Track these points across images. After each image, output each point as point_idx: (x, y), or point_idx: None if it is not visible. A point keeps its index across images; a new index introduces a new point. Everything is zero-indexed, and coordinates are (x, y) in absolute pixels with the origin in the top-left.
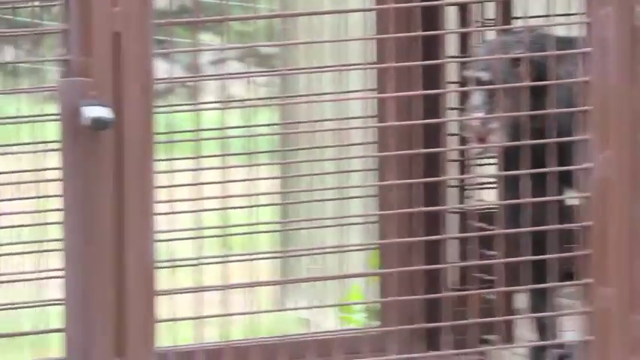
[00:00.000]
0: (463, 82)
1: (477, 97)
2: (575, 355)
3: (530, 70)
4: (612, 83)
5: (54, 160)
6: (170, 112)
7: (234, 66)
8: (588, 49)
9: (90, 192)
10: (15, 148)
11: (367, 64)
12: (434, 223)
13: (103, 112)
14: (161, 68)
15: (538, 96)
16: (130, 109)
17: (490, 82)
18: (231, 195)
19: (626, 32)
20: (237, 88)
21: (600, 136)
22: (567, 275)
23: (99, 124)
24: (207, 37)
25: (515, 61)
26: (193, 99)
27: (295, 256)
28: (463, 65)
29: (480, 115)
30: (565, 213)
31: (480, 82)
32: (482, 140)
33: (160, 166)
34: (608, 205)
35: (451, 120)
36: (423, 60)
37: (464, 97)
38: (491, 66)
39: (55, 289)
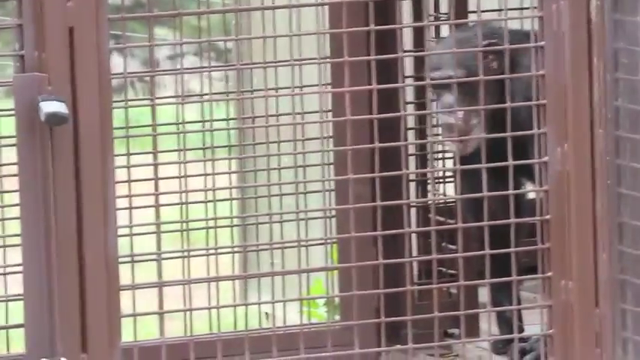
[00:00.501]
0: (419, 76)
1: (451, 97)
2: (539, 349)
3: (499, 60)
4: (568, 77)
5: (11, 155)
6: (127, 107)
7: (192, 60)
8: (542, 43)
9: (47, 187)
10: None
11: (322, 58)
12: (393, 217)
13: (58, 108)
14: (119, 63)
15: (503, 89)
16: (87, 104)
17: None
18: (190, 190)
19: (581, 25)
20: (195, 83)
21: (557, 129)
22: (529, 269)
23: (55, 119)
24: (163, 32)
25: (485, 55)
26: (151, 94)
27: (255, 250)
28: (419, 60)
29: (459, 112)
30: (526, 206)
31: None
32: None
33: (119, 161)
34: (567, 199)
35: (407, 114)
36: (378, 54)
37: (420, 91)
38: (460, 63)
39: (17, 285)
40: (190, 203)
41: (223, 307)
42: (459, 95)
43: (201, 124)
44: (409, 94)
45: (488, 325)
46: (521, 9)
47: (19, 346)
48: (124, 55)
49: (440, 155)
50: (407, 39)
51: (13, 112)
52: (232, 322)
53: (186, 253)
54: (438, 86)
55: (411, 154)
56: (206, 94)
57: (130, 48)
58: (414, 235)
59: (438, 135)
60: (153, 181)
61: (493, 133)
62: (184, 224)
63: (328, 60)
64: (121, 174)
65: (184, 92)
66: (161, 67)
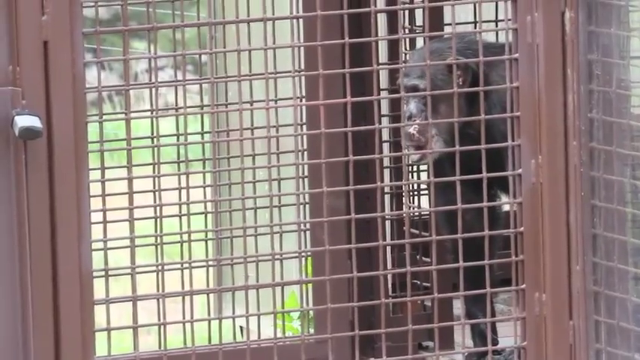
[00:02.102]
0: (393, 88)
1: (413, 106)
2: None
3: (464, 76)
4: (542, 89)
5: None
6: (102, 121)
7: (170, 74)
8: (516, 55)
9: (21, 202)
10: None
11: (296, 71)
12: (368, 229)
13: (32, 122)
14: (97, 77)
15: (473, 102)
16: (61, 118)
17: (425, 90)
18: (165, 203)
19: (555, 37)
20: (172, 96)
21: (531, 141)
22: (504, 281)
23: (29, 133)
24: (142, 46)
25: (450, 68)
26: (126, 107)
27: (230, 264)
28: (394, 72)
29: (416, 123)
30: (500, 218)
31: (416, 90)
32: (420, 148)
33: (94, 174)
34: (540, 211)
35: (381, 127)
36: (353, 67)
37: (394, 104)
38: (426, 74)
39: None
40: (165, 217)
41: (197, 320)
42: (422, 105)
43: (176, 137)
44: (384, 107)
45: (463, 337)
46: (496, 21)
47: None
48: (99, 68)
49: (415, 168)
50: (382, 51)
51: None
52: (206, 335)
53: (160, 267)
54: (406, 92)
55: (386, 167)
56: (181, 108)
57: (108, 62)
58: (388, 248)
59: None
60: (127, 195)
61: (464, 145)
62: (159, 238)
63: (303, 73)
64: (95, 188)
65: (162, 105)
66: (139, 80)
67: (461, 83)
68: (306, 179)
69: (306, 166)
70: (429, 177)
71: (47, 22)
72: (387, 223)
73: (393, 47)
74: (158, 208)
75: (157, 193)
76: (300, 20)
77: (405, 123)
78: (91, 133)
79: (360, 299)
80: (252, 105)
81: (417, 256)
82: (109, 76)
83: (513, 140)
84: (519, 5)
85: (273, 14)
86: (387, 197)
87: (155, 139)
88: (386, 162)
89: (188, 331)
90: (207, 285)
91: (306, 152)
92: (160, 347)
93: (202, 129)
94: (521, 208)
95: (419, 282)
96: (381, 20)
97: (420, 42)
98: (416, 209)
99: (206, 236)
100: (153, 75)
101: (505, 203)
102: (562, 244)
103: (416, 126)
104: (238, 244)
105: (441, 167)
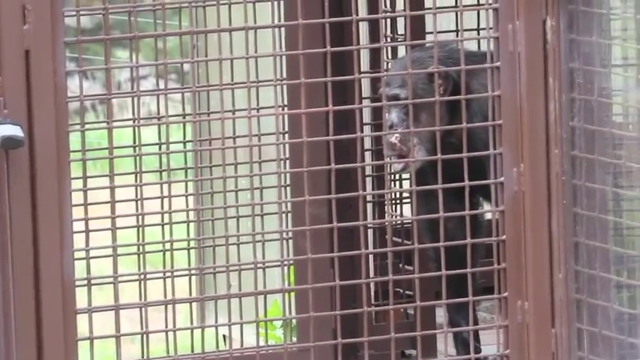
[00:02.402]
0: (376, 97)
1: (394, 115)
2: None
3: (445, 85)
4: (524, 97)
5: None
6: (84, 130)
7: (154, 82)
8: (497, 64)
9: (3, 211)
10: None
11: (278, 80)
12: (351, 238)
13: (14, 131)
14: (82, 85)
15: (456, 111)
16: (43, 128)
17: (407, 99)
18: (147, 212)
19: (537, 46)
20: (155, 105)
21: (513, 150)
22: (487, 289)
23: (10, 142)
24: (125, 55)
25: (431, 77)
26: (108, 116)
27: (212, 272)
28: (376, 81)
29: (398, 132)
30: (482, 227)
31: (397, 99)
32: (403, 157)
33: (76, 183)
34: (522, 219)
35: (363, 135)
36: (335, 75)
37: (376, 112)
38: (406, 83)
39: None
40: (147, 226)
41: (180, 329)
42: (403, 114)
43: (158, 146)
44: (366, 116)
45: (445, 345)
46: (478, 30)
47: None
48: (80, 77)
49: (397, 176)
50: (364, 59)
51: None
52: (189, 344)
53: (142, 276)
54: (388, 101)
55: (368, 175)
56: (163, 117)
57: (91, 70)
58: (371, 256)
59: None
60: (109, 204)
61: (446, 153)
62: (141, 247)
63: (285, 82)
64: (78, 197)
65: (145, 114)
66: (123, 89)
67: (442, 92)
68: (288, 188)
69: (288, 175)
70: (411, 185)
71: (29, 32)
72: (370, 232)
73: (375, 56)
74: (140, 216)
75: (139, 202)
76: (282, 29)
77: (386, 132)
78: (74, 142)
79: (342, 307)
80: (234, 114)
81: (400, 265)
82: (92, 85)
83: (495, 148)
84: (501, 14)
85: (255, 23)
86: (369, 206)
87: (137, 148)
88: (368, 170)
89: (171, 340)
90: (190, 294)
91: (288, 161)
92: (142, 356)
93: (184, 138)
94: (504, 217)
95: (401, 290)
96: (363, 29)
97: (402, 50)
98: (398, 218)
99: (188, 245)
100: (135, 84)
101: (487, 211)
102: (544, 252)
103: (397, 135)
104: (221, 253)
105: (423, 176)
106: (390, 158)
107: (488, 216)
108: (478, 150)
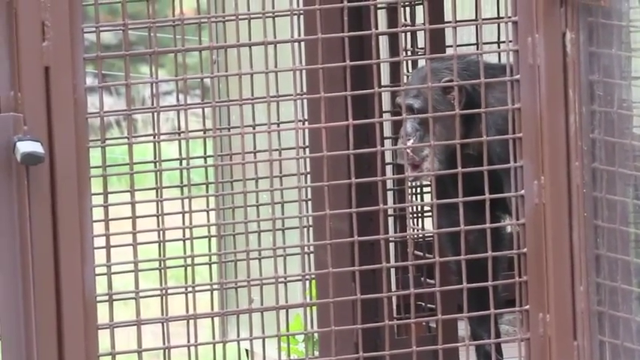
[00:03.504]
0: (395, 110)
1: (409, 125)
2: None
3: (459, 97)
4: (544, 110)
5: None
6: (104, 146)
7: (180, 98)
8: (517, 77)
9: (24, 227)
10: None
11: (298, 94)
12: (372, 251)
13: (34, 147)
14: (108, 102)
15: (470, 122)
16: (63, 144)
17: (421, 110)
18: (168, 227)
19: (556, 58)
20: (181, 121)
21: (533, 162)
22: (509, 302)
23: (31, 159)
24: (148, 70)
25: (447, 88)
26: (129, 132)
27: (234, 287)
28: (395, 94)
29: (412, 142)
30: (504, 239)
31: (411, 109)
32: (415, 167)
33: (97, 199)
34: (543, 232)
35: (384, 149)
36: (355, 89)
37: (396, 125)
38: (422, 93)
39: None
40: (168, 241)
41: (202, 344)
42: (417, 124)
43: (178, 161)
44: (387, 129)
45: (467, 358)
46: (498, 42)
47: None
48: (100, 93)
49: (418, 190)
50: (384, 73)
51: None
52: (211, 359)
53: (164, 291)
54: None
55: (389, 189)
56: (183, 132)
57: (115, 87)
58: (392, 270)
59: None
60: (131, 220)
61: (464, 165)
62: (162, 262)
63: (305, 96)
64: (100, 213)
65: (170, 130)
66: (147, 105)
67: (455, 103)
68: (309, 202)
69: (309, 189)
70: (432, 199)
71: (48, 48)
72: (391, 245)
73: (395, 69)
74: (162, 232)
75: (160, 217)
76: (302, 43)
77: (399, 141)
78: (96, 158)
79: (364, 321)
80: (254, 128)
81: (422, 278)
82: (117, 101)
83: (516, 161)
84: (520, 27)
85: (275, 37)
86: (390, 219)
87: (158, 164)
88: (389, 184)
89: (193, 355)
90: (212, 308)
91: (308, 175)
92: None
93: (205, 153)
94: (524, 229)
95: (423, 304)
96: (383, 42)
97: (421, 64)
98: (419, 231)
99: (210, 260)
100: (155, 99)
101: (508, 224)
102: (565, 265)
103: (409, 146)
104: (242, 268)
105: (443, 188)
106: (406, 169)
107: (509, 228)
108: (492, 164)
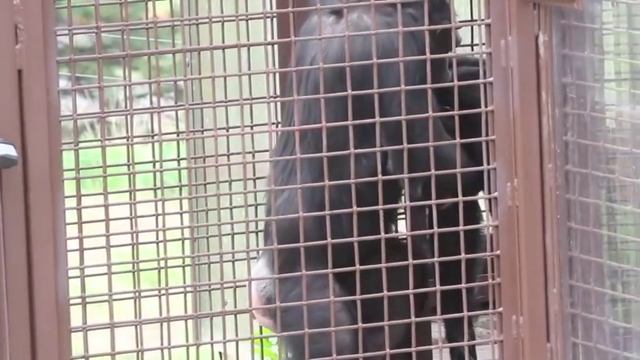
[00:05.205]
0: None
1: None
2: None
3: None
4: (517, 112)
5: None
6: (77, 149)
7: (153, 101)
8: (490, 79)
9: None
10: None
11: (271, 97)
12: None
13: (7, 150)
14: (80, 105)
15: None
16: (36, 147)
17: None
18: (142, 230)
19: (529, 61)
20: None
21: (506, 165)
22: (485, 304)
23: (3, 162)
24: (122, 73)
25: None
26: (102, 135)
27: (207, 290)
28: None
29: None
30: (481, 241)
31: None
32: None
33: (70, 202)
34: (517, 234)
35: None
36: None
37: None
38: None
39: None
40: (142, 244)
41: (175, 347)
42: None
43: (151, 163)
44: None
45: None
46: (472, 45)
47: None
48: (73, 96)
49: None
50: None
51: None
52: None
53: (137, 294)
54: None
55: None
56: (156, 134)
57: (89, 89)
58: None
59: None
60: (104, 222)
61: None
62: (136, 264)
63: (278, 99)
64: (72, 215)
65: (143, 132)
66: (121, 107)
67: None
68: None
69: None
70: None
71: (21, 51)
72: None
73: None
74: (135, 234)
75: (133, 219)
76: (275, 46)
77: None
78: (70, 161)
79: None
80: (227, 131)
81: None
82: (91, 104)
83: (489, 164)
84: (493, 29)
85: (248, 40)
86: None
87: (131, 166)
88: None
89: (166, 358)
90: (185, 311)
91: None
92: None
93: (179, 155)
94: (498, 231)
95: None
96: None
97: None
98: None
99: (183, 262)
100: (128, 102)
101: (482, 226)
102: (539, 267)
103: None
104: (215, 270)
105: None
106: None
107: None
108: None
